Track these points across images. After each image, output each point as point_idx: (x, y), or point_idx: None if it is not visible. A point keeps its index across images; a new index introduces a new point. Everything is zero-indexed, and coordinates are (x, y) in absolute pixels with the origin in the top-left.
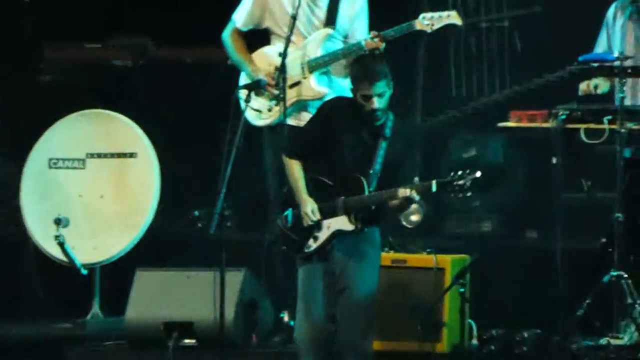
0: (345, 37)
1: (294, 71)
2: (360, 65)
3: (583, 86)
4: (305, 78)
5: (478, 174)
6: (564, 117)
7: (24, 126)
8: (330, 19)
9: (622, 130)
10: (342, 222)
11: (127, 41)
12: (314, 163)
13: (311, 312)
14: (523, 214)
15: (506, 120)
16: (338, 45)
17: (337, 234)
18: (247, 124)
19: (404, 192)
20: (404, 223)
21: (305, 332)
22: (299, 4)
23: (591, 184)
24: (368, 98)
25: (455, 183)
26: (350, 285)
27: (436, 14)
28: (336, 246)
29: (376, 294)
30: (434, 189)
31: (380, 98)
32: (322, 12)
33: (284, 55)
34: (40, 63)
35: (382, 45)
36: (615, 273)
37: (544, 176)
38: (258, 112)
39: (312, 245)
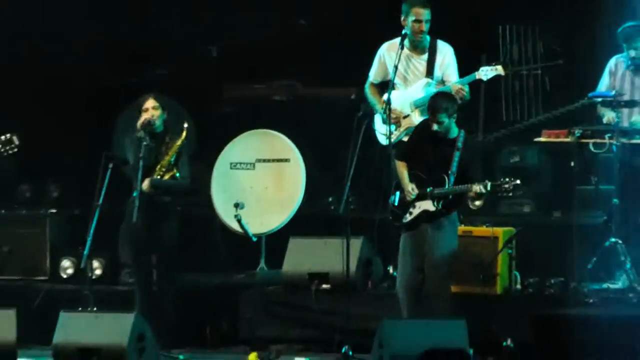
0: (441, 81)
1: (405, 108)
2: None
3: (605, 119)
4: (412, 112)
5: (518, 181)
6: (578, 134)
7: (213, 141)
8: (429, 70)
9: (618, 143)
10: (428, 204)
11: (282, 83)
12: (413, 163)
13: (406, 267)
14: (551, 199)
15: (540, 136)
16: (434, 88)
17: (425, 212)
18: (375, 142)
19: (477, 188)
20: (471, 206)
21: (401, 281)
22: (399, 61)
23: (597, 179)
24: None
25: (502, 186)
26: (432, 249)
27: (489, 68)
28: (424, 220)
29: (452, 256)
30: (489, 188)
31: (439, 124)
32: (422, 65)
33: (388, 98)
34: (222, 99)
35: (466, 90)
36: (613, 239)
37: (565, 174)
38: (383, 134)
39: (408, 217)
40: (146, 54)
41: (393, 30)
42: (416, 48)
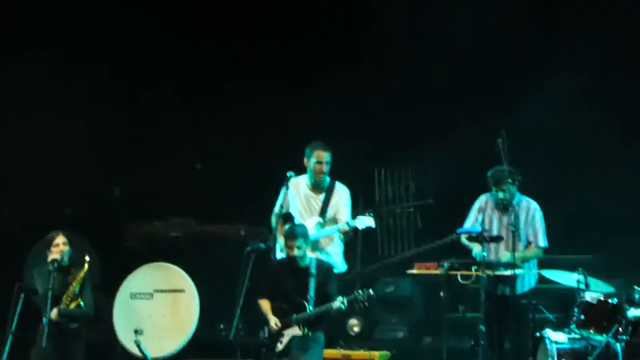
0: (333, 220)
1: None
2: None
3: (475, 251)
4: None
5: (371, 291)
6: (447, 267)
7: (115, 273)
8: (323, 209)
9: (484, 275)
10: (295, 330)
11: (179, 220)
12: (276, 297)
13: None
14: (422, 326)
15: (412, 268)
16: (324, 227)
17: (293, 338)
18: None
19: (335, 305)
20: (350, 332)
21: None
22: (299, 199)
23: (464, 308)
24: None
25: (357, 298)
26: None
27: (364, 219)
28: (294, 346)
29: None
30: (345, 303)
31: (298, 248)
32: (318, 204)
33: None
34: (124, 234)
35: (350, 231)
36: None
37: (435, 303)
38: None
39: (280, 346)
40: (56, 193)
41: (282, 171)
42: (316, 187)
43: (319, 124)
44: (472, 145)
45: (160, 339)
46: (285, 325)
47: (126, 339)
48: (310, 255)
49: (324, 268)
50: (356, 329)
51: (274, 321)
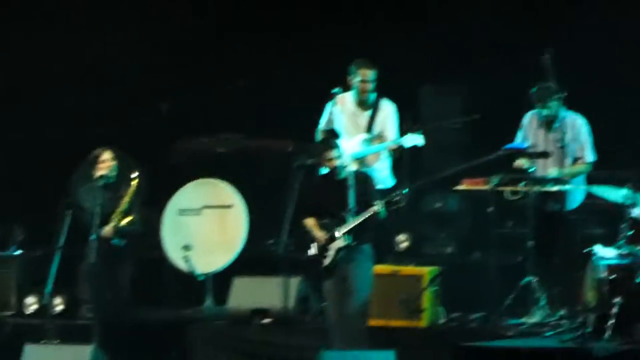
0: (379, 137)
1: (345, 160)
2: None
3: (516, 163)
4: (351, 164)
5: (405, 190)
6: (495, 182)
7: (163, 189)
8: (369, 126)
9: (531, 191)
10: (339, 243)
11: (226, 136)
12: (319, 214)
13: (330, 304)
14: (471, 241)
15: (460, 184)
16: (371, 143)
17: (339, 251)
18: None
19: (372, 209)
20: (398, 248)
21: (329, 318)
22: (345, 115)
23: (513, 223)
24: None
25: (393, 199)
26: (351, 284)
27: (412, 137)
28: (340, 259)
29: (368, 291)
30: (383, 205)
31: (336, 159)
32: (364, 121)
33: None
34: (171, 151)
35: (398, 149)
36: (528, 278)
37: (484, 218)
38: None
39: (327, 261)
40: (104, 111)
41: (329, 86)
42: (362, 104)
43: (365, 39)
44: (520, 61)
45: (209, 255)
46: (330, 239)
47: (175, 255)
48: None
49: (363, 178)
50: (404, 245)
51: (319, 235)
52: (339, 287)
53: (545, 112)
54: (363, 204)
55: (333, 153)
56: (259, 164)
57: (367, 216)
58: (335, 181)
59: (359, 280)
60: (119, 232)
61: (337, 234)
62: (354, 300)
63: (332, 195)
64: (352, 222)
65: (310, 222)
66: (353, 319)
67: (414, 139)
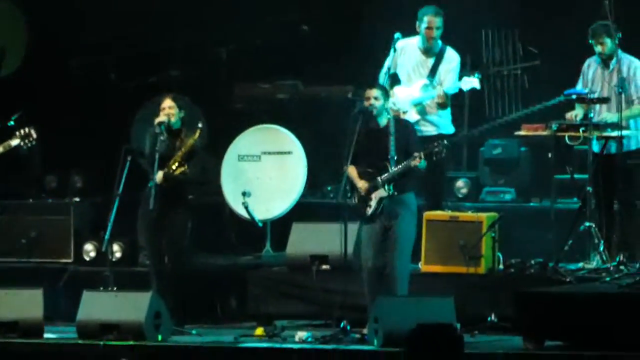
0: (440, 84)
1: (404, 105)
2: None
3: (568, 115)
4: (410, 110)
5: (445, 141)
6: (555, 128)
7: (222, 135)
8: (432, 73)
9: (590, 136)
10: (381, 192)
11: (286, 82)
12: (361, 163)
13: (368, 252)
14: (530, 188)
15: (520, 130)
16: (431, 90)
17: (381, 200)
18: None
19: (413, 160)
20: (457, 194)
21: (364, 265)
22: (408, 59)
23: (572, 169)
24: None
25: (433, 150)
26: (394, 234)
27: (469, 80)
28: (383, 208)
29: (411, 239)
30: (423, 156)
31: (375, 99)
32: (427, 68)
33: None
34: (231, 96)
35: (448, 98)
36: (587, 224)
37: (543, 164)
38: None
39: (369, 210)
40: (163, 56)
41: (389, 32)
42: (427, 51)
43: None
44: (581, 5)
45: (268, 201)
46: (372, 188)
47: (234, 201)
48: (410, 116)
49: (403, 126)
50: (464, 191)
51: (361, 184)
52: (381, 237)
53: (598, 49)
54: (404, 153)
55: (375, 92)
56: (319, 110)
57: (407, 166)
58: (374, 128)
59: (401, 232)
60: (172, 180)
61: (378, 184)
62: (397, 251)
63: (371, 142)
64: (393, 172)
65: (352, 171)
66: (393, 269)
67: (472, 82)
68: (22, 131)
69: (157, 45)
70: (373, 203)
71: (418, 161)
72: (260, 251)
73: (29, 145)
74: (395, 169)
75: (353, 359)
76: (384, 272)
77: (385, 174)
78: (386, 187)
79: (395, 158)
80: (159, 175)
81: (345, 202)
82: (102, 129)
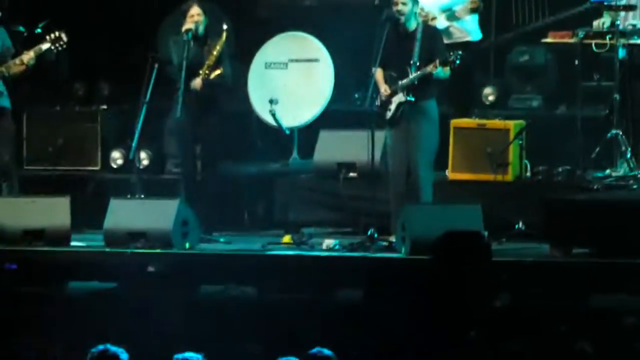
0: None
1: (433, 10)
2: None
3: (595, 23)
4: (439, 16)
5: (460, 52)
6: (582, 35)
7: (249, 43)
8: None
9: (618, 43)
10: (400, 97)
11: None
12: (389, 66)
13: (394, 158)
14: (557, 95)
15: (547, 37)
16: None
17: (400, 105)
18: None
19: (429, 68)
20: (485, 101)
21: (390, 171)
22: None
23: (599, 76)
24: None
25: (448, 59)
26: (413, 140)
27: None
28: (402, 113)
29: (433, 145)
30: (438, 64)
31: (403, 4)
32: None
33: None
34: (257, 3)
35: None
36: (614, 131)
37: (570, 71)
38: None
39: (389, 114)
40: None
41: None
42: None
43: None
44: None
45: (295, 109)
46: (393, 92)
47: (261, 108)
48: (440, 22)
49: (430, 33)
50: (491, 98)
51: (383, 87)
52: (405, 143)
53: None
54: (427, 59)
55: None
56: (346, 17)
57: (424, 72)
58: (400, 32)
59: (421, 138)
60: (208, 84)
61: (398, 89)
62: (418, 157)
63: (397, 46)
64: (411, 78)
65: (378, 74)
66: (417, 176)
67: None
68: (52, 35)
69: None
70: (393, 107)
71: (434, 68)
72: (287, 158)
73: (60, 48)
74: (414, 75)
75: (381, 266)
76: (408, 180)
77: (405, 80)
78: (404, 93)
79: (418, 64)
80: (197, 82)
81: (372, 109)
82: (130, 36)
